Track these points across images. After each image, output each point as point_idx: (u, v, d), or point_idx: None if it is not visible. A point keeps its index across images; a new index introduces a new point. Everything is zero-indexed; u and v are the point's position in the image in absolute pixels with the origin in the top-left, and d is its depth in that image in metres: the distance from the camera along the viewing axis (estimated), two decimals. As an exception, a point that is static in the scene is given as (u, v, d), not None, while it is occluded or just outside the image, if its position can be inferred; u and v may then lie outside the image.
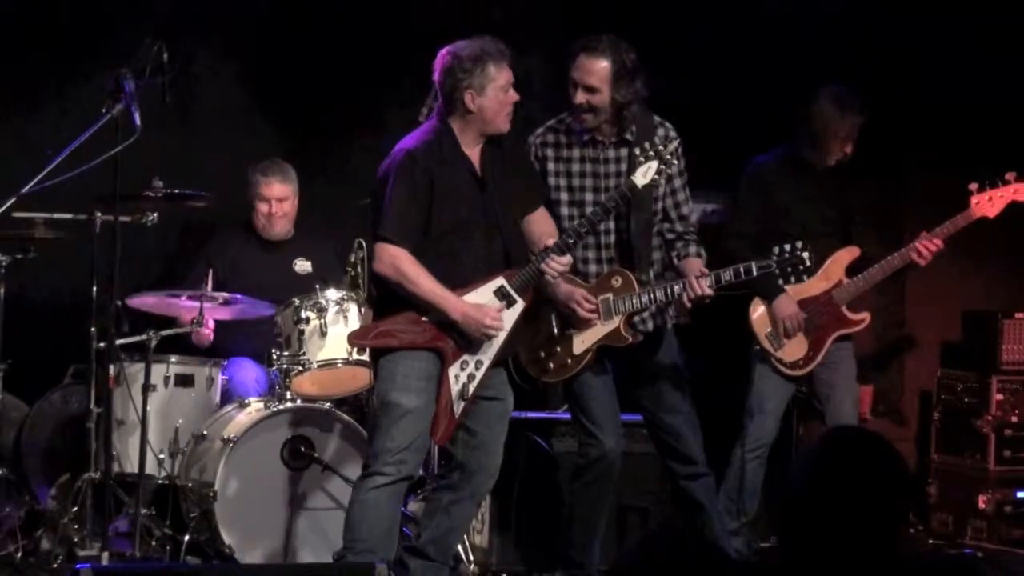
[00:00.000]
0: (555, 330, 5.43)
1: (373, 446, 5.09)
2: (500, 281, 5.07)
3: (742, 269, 5.29)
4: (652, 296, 5.35)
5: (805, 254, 5.29)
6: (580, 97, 5.30)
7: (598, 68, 5.28)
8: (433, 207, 5.01)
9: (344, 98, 7.24)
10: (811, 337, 6.12)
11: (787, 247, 5.31)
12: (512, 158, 5.23)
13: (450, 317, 5.00)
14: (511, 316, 5.09)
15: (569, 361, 5.43)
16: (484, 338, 5.04)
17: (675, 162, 5.17)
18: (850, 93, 6.19)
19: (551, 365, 5.45)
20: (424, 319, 5.04)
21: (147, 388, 6.00)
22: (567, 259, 5.09)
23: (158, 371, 6.15)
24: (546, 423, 6.35)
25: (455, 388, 5.05)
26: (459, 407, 5.06)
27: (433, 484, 5.67)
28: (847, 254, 6.21)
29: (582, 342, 5.41)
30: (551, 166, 5.44)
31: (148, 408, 5.98)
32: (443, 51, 5.06)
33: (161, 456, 6.13)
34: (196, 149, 7.05)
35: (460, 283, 5.04)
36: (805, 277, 5.46)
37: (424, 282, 4.99)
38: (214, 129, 7.17)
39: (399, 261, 4.98)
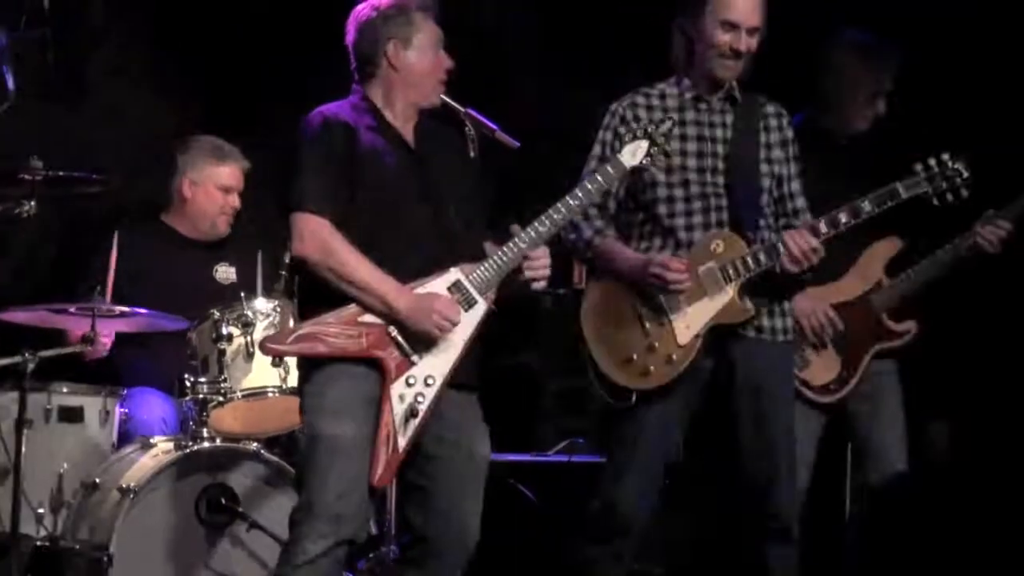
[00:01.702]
0: (644, 322, 4.89)
1: (302, 496, 4.50)
2: (456, 275, 4.52)
3: (887, 194, 4.91)
4: (770, 250, 4.85)
5: (960, 165, 4.91)
6: (744, 43, 4.89)
7: (759, 4, 4.92)
8: (354, 179, 4.54)
9: (274, 57, 6.77)
10: (844, 354, 5.53)
11: (933, 161, 4.91)
12: (459, 155, 4.79)
13: (393, 308, 4.45)
14: (470, 320, 4.52)
15: (675, 355, 4.86)
16: (434, 331, 4.47)
17: (668, 146, 4.78)
18: (876, 39, 5.66)
19: (652, 367, 4.86)
20: (361, 320, 4.48)
21: (22, 424, 5.48)
22: (543, 255, 4.62)
23: (37, 402, 5.64)
24: (532, 467, 6.12)
25: (399, 411, 4.44)
26: (404, 438, 4.44)
27: (390, 548, 5.48)
28: (886, 247, 5.59)
29: (687, 327, 4.86)
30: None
31: (23, 449, 5.48)
32: (358, 7, 4.71)
33: (40, 511, 5.60)
34: (87, 121, 6.55)
35: (395, 276, 4.56)
36: (964, 193, 4.95)
37: (359, 264, 4.46)
38: (110, 96, 6.66)
39: (325, 235, 4.43)
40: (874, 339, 5.58)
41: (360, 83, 4.66)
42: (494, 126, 4.76)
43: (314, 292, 4.52)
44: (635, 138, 4.72)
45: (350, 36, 4.68)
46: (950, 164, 4.94)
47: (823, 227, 4.88)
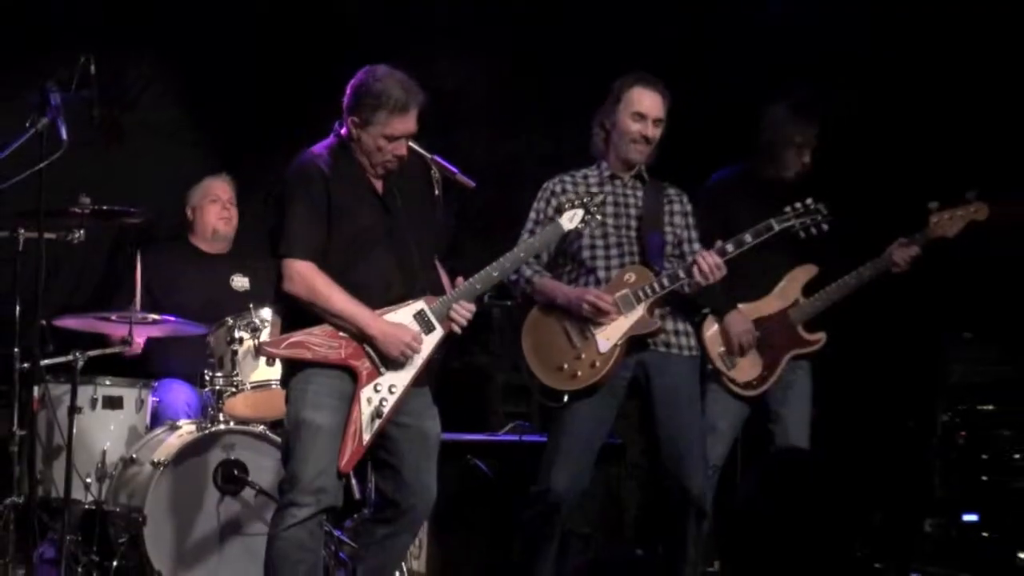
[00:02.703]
0: (572, 338, 5.43)
1: (288, 472, 4.90)
2: (421, 305, 4.98)
3: (763, 228, 5.42)
4: (672, 276, 5.39)
5: (820, 205, 5.44)
6: (651, 130, 5.52)
7: (662, 102, 5.54)
8: (331, 221, 4.90)
9: (281, 110, 7.16)
10: (765, 357, 6.02)
11: (799, 204, 5.44)
12: (423, 196, 5.17)
13: (366, 335, 4.87)
14: (430, 342, 4.98)
15: (598, 362, 5.40)
16: (402, 359, 4.91)
17: (599, 216, 5.25)
18: (805, 99, 6.10)
19: (579, 371, 5.41)
20: (341, 334, 4.90)
21: (73, 410, 5.88)
22: (469, 309, 5.04)
23: (85, 393, 6.04)
24: (485, 445, 6.38)
25: (366, 412, 4.89)
26: (368, 433, 4.90)
27: (371, 509, 5.59)
28: (804, 272, 6.09)
29: (607, 339, 5.40)
30: (571, 195, 5.47)
31: (74, 431, 5.85)
32: (364, 69, 5.01)
33: (88, 480, 6.00)
34: (126, 164, 6.98)
35: (366, 303, 4.92)
36: (825, 228, 5.47)
37: (339, 298, 4.86)
38: (145, 144, 7.11)
39: (311, 278, 4.85)
40: (791, 346, 6.02)
41: (343, 129, 4.96)
42: (454, 169, 5.17)
43: (296, 313, 4.92)
44: (573, 207, 5.17)
45: (349, 86, 4.96)
46: (813, 206, 5.46)
47: (730, 248, 5.35)
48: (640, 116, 5.52)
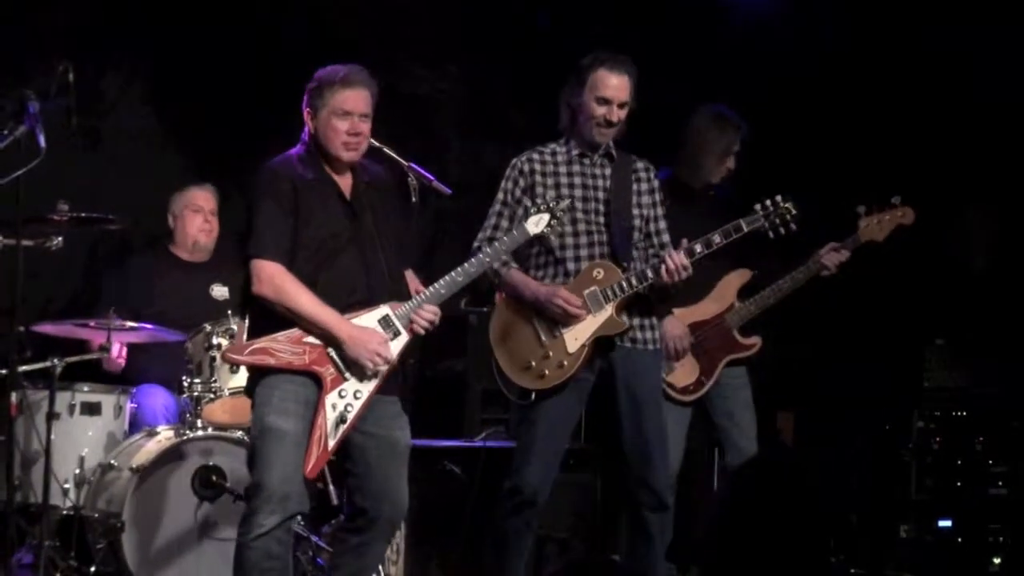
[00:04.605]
0: (540, 335, 5.42)
1: (254, 479, 4.87)
2: (385, 310, 4.96)
3: (731, 228, 5.40)
4: (640, 276, 5.38)
5: (789, 204, 5.43)
6: (616, 114, 5.46)
7: (628, 84, 5.46)
8: (298, 225, 4.90)
9: (258, 119, 7.16)
10: (702, 362, 6.04)
11: (768, 201, 5.42)
12: (393, 203, 5.17)
13: (335, 338, 4.86)
14: (395, 348, 4.97)
15: (566, 362, 5.39)
16: (368, 365, 4.89)
17: (564, 220, 5.25)
18: (727, 110, 6.16)
19: (546, 371, 5.40)
20: (305, 340, 4.88)
21: (51, 416, 5.89)
22: (432, 312, 5.03)
23: (63, 399, 6.06)
24: (461, 451, 6.43)
25: (331, 418, 4.87)
26: (333, 439, 4.88)
27: (344, 519, 5.54)
28: (738, 277, 6.14)
29: (575, 339, 5.39)
30: (538, 178, 5.53)
31: (52, 436, 5.86)
32: None
33: (66, 486, 6.02)
34: (104, 172, 7.03)
35: (333, 305, 4.91)
36: (794, 227, 5.47)
37: (308, 301, 4.84)
38: (123, 151, 7.16)
39: (279, 279, 4.84)
40: (727, 351, 6.05)
41: (307, 135, 4.98)
42: (431, 176, 5.24)
43: (262, 318, 4.90)
44: (539, 211, 5.16)
45: None
46: (782, 203, 5.45)
47: (698, 248, 5.34)
48: (604, 101, 5.46)
